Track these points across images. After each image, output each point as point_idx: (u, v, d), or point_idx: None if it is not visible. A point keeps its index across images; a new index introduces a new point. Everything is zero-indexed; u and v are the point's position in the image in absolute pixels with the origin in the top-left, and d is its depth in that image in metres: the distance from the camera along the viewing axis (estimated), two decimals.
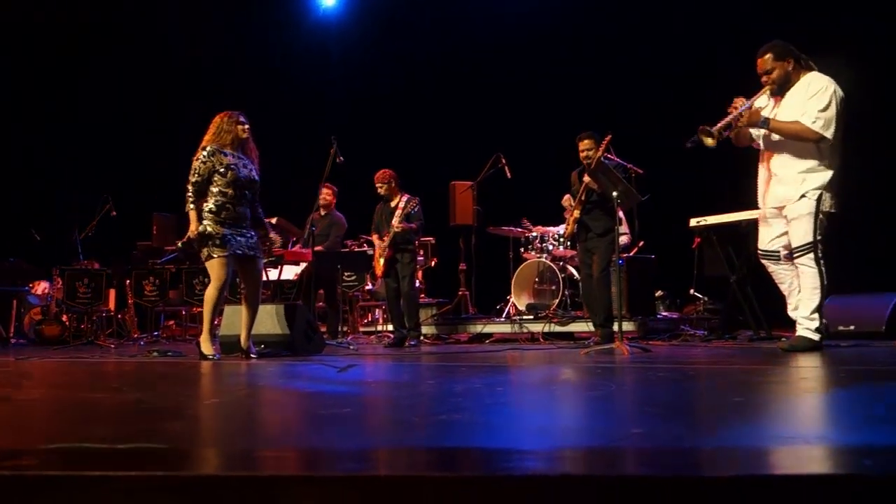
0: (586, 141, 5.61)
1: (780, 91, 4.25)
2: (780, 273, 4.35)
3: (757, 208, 4.59)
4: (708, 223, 5.99)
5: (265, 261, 5.35)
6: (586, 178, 5.50)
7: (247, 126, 4.79)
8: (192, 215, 4.62)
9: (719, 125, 4.20)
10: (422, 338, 6.84)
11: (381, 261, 6.46)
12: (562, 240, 7.44)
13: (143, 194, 9.51)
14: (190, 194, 4.64)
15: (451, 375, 3.37)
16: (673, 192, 7.44)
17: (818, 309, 4.13)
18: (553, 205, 7.26)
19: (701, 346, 5.35)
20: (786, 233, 4.26)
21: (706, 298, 7.84)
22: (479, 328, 7.32)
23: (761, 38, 4.32)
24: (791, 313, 4.32)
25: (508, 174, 7.65)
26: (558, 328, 6.83)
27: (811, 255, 4.10)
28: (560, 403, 2.35)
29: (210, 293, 4.61)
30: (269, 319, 5.10)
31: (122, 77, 10.77)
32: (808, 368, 3.24)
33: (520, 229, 7.83)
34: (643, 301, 7.13)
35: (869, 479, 1.10)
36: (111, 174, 10.10)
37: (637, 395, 2.52)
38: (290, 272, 7.32)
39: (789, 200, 4.18)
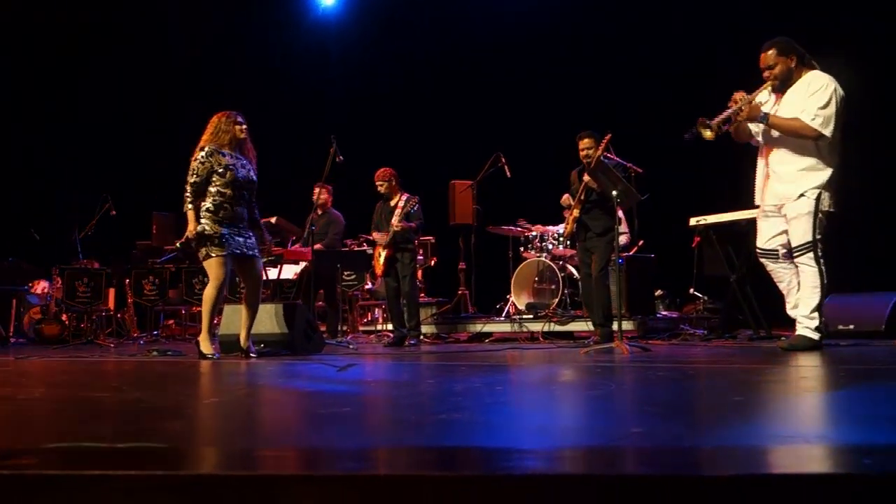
0: (586, 140, 5.60)
1: (781, 88, 4.25)
2: (779, 272, 4.35)
3: (756, 207, 4.59)
4: (707, 222, 5.99)
5: (264, 260, 5.35)
6: (586, 178, 5.49)
7: (244, 126, 4.79)
8: (191, 215, 4.63)
9: (718, 118, 4.19)
10: (422, 337, 6.83)
11: (381, 253, 6.44)
12: (561, 239, 7.44)
13: (142, 194, 9.52)
14: (188, 194, 4.64)
15: (451, 375, 3.37)
16: (672, 192, 7.44)
17: (818, 308, 4.13)
18: (553, 204, 7.26)
19: (700, 345, 5.34)
20: (784, 231, 4.26)
21: (706, 297, 7.83)
22: (478, 327, 7.31)
23: (761, 38, 4.32)
24: (790, 312, 4.32)
25: (508, 173, 7.64)
26: (558, 327, 6.83)
27: (811, 254, 4.10)
28: (560, 403, 2.35)
29: (209, 292, 4.61)
30: (269, 319, 5.10)
31: (122, 77, 10.77)
32: (808, 368, 3.25)
33: (519, 229, 7.83)
34: (643, 300, 7.13)
35: (869, 478, 1.10)
36: (111, 174, 10.11)
37: (637, 394, 2.52)
38: (290, 271, 7.32)
39: (788, 199, 4.18)
